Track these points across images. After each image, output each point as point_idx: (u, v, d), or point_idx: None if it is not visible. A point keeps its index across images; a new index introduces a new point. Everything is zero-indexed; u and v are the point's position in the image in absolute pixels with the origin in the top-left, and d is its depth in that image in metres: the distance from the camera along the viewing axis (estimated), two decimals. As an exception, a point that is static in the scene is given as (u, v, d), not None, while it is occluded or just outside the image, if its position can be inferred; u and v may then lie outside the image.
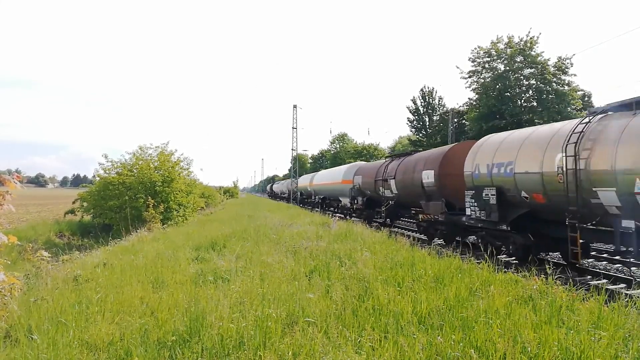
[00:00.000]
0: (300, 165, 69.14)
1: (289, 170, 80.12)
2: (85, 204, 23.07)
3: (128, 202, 20.34)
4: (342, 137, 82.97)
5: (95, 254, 11.56)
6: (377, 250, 9.93)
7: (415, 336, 4.48)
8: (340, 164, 55.33)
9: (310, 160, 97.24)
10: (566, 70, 31.89)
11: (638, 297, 6.19)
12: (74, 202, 25.53)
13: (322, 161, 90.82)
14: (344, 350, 4.17)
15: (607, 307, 5.36)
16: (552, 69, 31.81)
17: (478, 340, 4.39)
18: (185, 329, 4.80)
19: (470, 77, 35.43)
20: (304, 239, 11.79)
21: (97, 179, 22.58)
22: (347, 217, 26.74)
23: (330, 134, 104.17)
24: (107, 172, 22.08)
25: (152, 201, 19.66)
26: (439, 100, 47.55)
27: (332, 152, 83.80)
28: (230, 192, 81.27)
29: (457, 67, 38.35)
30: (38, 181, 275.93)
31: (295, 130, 51.13)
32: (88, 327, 5.06)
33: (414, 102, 48.09)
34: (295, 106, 50.61)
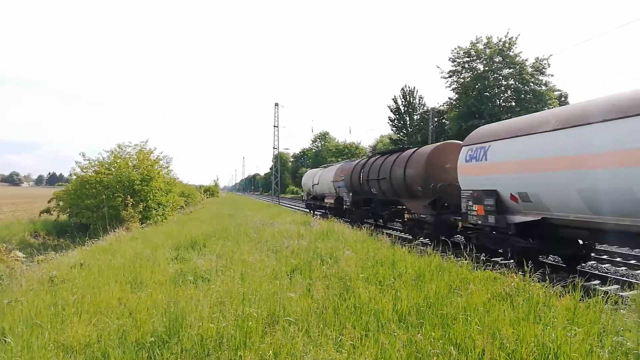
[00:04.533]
0: (281, 164, 68.99)
1: (270, 169, 79.91)
2: (61, 203, 22.60)
3: (105, 201, 20.01)
4: (323, 136, 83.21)
5: (71, 254, 11.34)
6: (358, 248, 9.97)
7: (395, 334, 4.51)
8: (321, 163, 55.35)
9: (291, 159, 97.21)
10: (543, 70, 32.55)
11: (614, 293, 6.33)
12: (49, 201, 24.93)
13: (304, 160, 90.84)
14: (325, 349, 4.17)
15: (583, 303, 5.47)
16: (530, 69, 32.41)
17: (457, 337, 4.43)
18: (164, 330, 4.73)
19: (450, 76, 35.91)
20: (286, 237, 11.75)
21: (74, 177, 22.19)
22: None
23: (312, 132, 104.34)
24: (84, 170, 21.71)
25: (131, 200, 19.42)
26: (420, 100, 48.07)
27: (313, 150, 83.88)
28: (210, 191, 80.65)
29: (438, 67, 39.07)
30: (12, 179, 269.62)
31: (276, 128, 51.01)
32: (64, 328, 4.95)
33: (395, 101, 48.49)
34: (276, 104, 50.50)
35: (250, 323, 4.72)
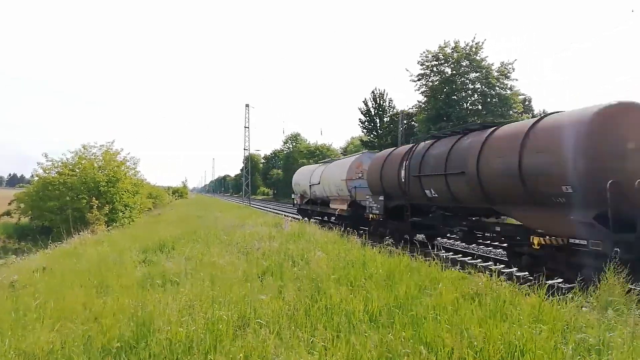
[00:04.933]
0: (252, 165, 68.54)
1: (241, 170, 79.26)
2: (22, 205, 21.88)
3: (70, 203, 19.47)
4: (295, 137, 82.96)
5: (33, 258, 11.00)
6: (329, 249, 9.98)
7: (367, 334, 4.53)
8: (293, 164, 55.16)
9: (263, 161, 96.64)
10: (508, 74, 33.41)
11: (576, 291, 6.53)
12: (10, 203, 24.09)
13: (275, 161, 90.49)
14: (297, 351, 4.16)
15: (547, 301, 5.62)
16: (496, 73, 33.23)
17: (427, 336, 4.49)
18: (132, 335, 4.62)
19: (419, 80, 36.37)
20: (257, 239, 11.67)
21: (36, 178, 21.52)
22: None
23: (283, 133, 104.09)
24: (47, 171, 21.08)
25: (96, 202, 18.97)
26: (390, 102, 48.53)
27: (285, 152, 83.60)
28: (179, 193, 79.55)
29: (407, 70, 39.70)
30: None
31: (247, 129, 50.67)
32: (26, 335, 4.78)
33: (366, 103, 48.83)
34: (247, 105, 50.20)
35: (221, 326, 4.67)
